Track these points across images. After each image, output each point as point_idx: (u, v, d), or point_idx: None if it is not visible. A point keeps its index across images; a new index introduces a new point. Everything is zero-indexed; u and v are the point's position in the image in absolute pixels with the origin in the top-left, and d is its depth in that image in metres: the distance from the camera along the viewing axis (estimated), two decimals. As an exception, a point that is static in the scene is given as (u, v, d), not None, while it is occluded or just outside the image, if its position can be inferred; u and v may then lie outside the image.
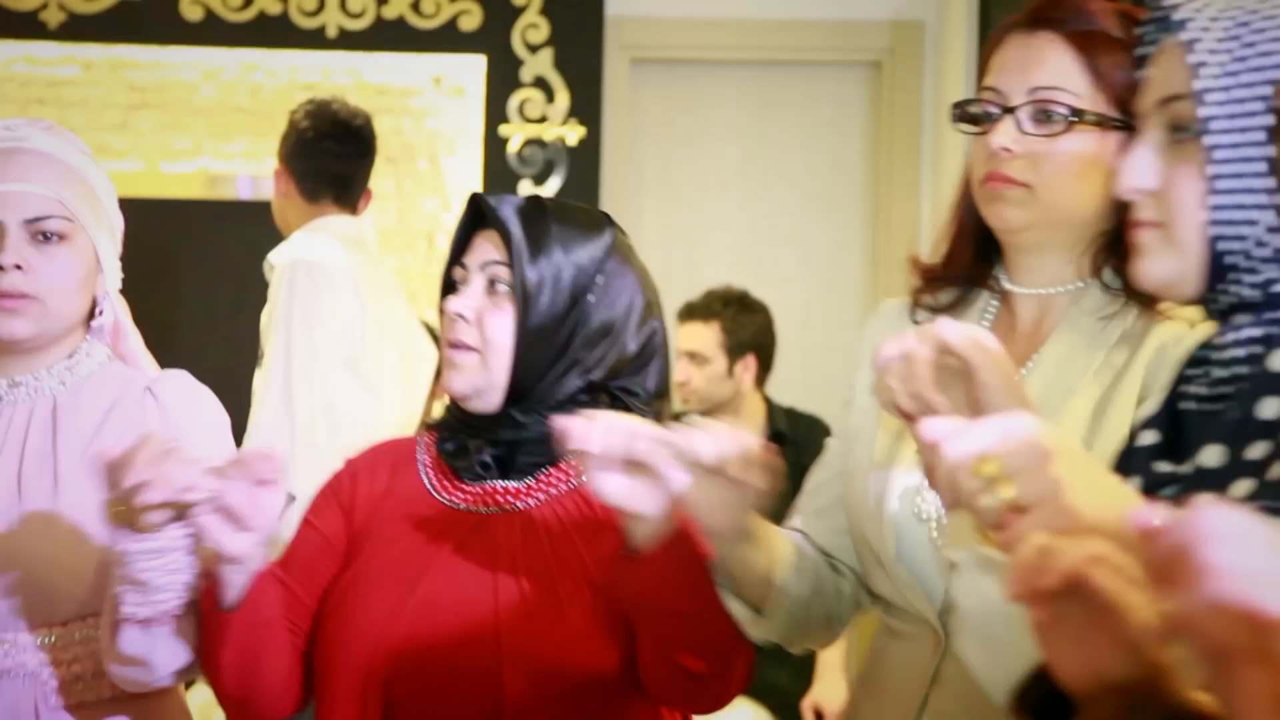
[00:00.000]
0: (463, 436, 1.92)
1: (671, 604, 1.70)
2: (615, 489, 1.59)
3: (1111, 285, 1.77)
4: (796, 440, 4.02)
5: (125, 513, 1.74)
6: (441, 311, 1.91)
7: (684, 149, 5.39)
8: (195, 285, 5.01)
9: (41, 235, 1.99)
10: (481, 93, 5.25)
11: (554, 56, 5.24)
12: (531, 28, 5.24)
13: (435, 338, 4.38)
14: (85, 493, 1.93)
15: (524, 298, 1.85)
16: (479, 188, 5.23)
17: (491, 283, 1.88)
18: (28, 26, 5.14)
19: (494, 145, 5.24)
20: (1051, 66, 1.74)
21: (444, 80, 5.29)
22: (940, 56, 5.17)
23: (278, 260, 3.61)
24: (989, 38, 1.84)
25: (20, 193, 1.98)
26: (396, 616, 1.81)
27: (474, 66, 5.27)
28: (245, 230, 4.63)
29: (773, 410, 4.19)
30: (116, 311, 2.09)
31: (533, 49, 5.25)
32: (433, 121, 5.29)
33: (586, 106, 5.24)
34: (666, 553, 1.65)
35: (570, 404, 1.86)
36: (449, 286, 1.93)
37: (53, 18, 5.15)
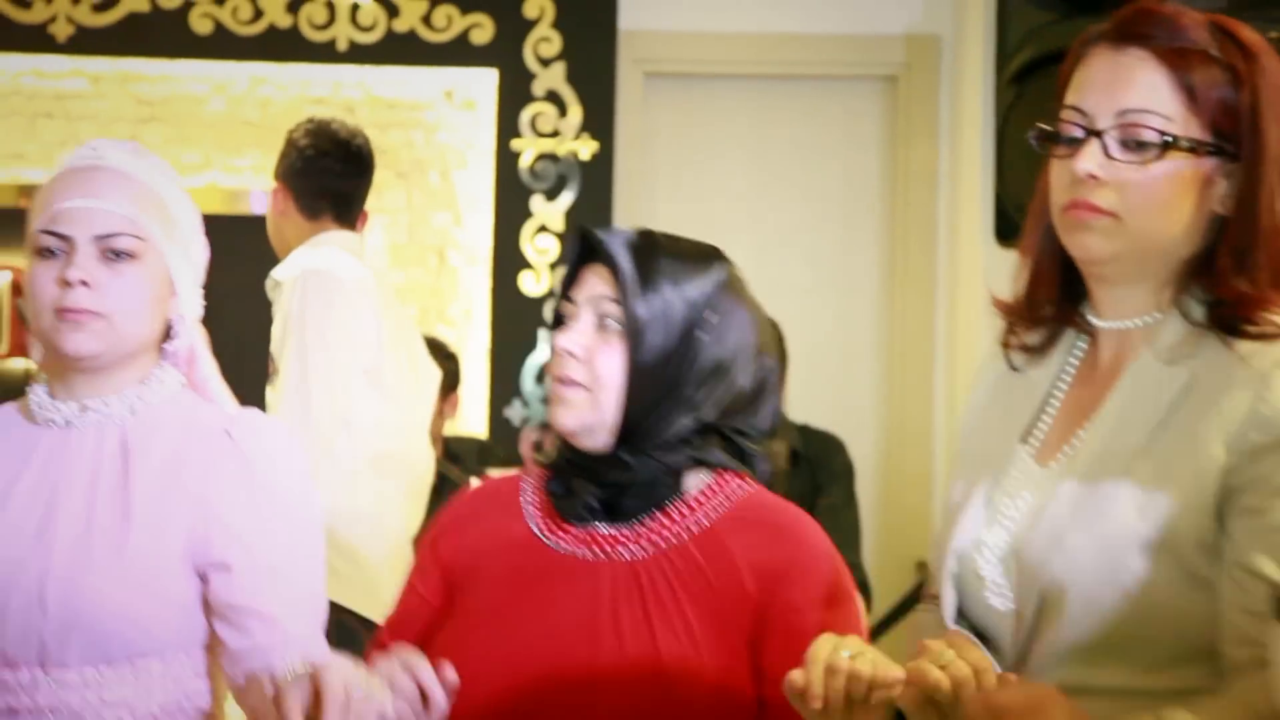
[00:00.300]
0: (570, 477, 1.89)
1: None
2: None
3: (1192, 315, 1.66)
4: (811, 458, 3.95)
5: None
6: (551, 347, 1.88)
7: (698, 163, 5.35)
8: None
9: (111, 253, 1.96)
10: (493, 107, 5.22)
11: (566, 70, 5.20)
12: (544, 41, 5.20)
13: (443, 354, 4.36)
14: (156, 533, 1.92)
15: (634, 334, 1.83)
16: (490, 203, 5.20)
17: (601, 319, 1.86)
18: (36, 39, 5.11)
19: (506, 160, 5.20)
20: (1142, 87, 1.63)
21: (455, 94, 5.26)
22: (957, 71, 5.11)
23: (284, 275, 3.56)
24: (1069, 51, 1.72)
25: (90, 209, 1.96)
26: (491, 662, 1.79)
27: (486, 80, 5.23)
28: (257, 245, 4.56)
29: (785, 428, 4.12)
30: (193, 337, 2.08)
31: (545, 63, 5.21)
32: (444, 136, 5.25)
33: (599, 120, 5.20)
34: None
35: (681, 444, 1.85)
36: (557, 321, 1.91)
37: (61, 30, 5.12)
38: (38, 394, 2.03)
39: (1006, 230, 4.43)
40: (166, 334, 2.05)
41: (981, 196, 4.59)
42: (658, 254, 1.86)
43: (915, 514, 5.16)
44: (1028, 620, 1.62)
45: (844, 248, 5.36)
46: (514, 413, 5.14)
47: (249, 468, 1.97)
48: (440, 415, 4.12)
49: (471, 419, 5.15)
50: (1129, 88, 1.63)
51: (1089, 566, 1.57)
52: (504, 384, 5.15)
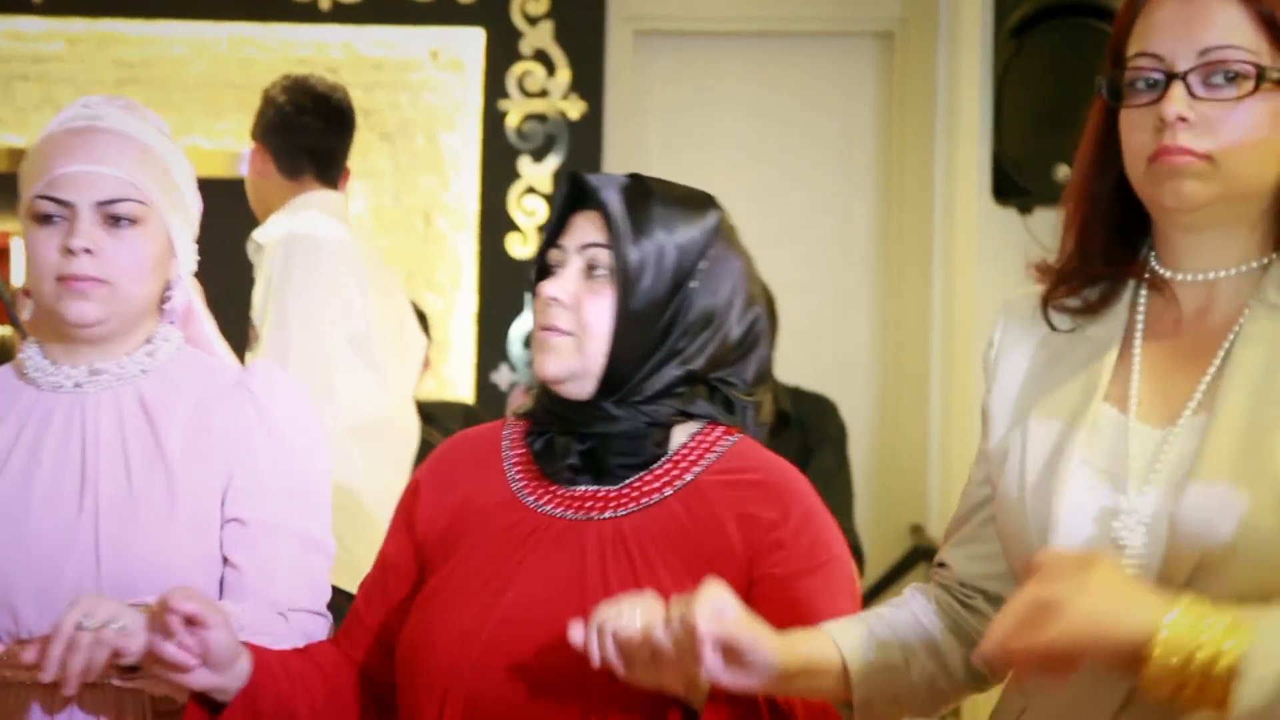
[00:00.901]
0: (552, 431, 1.84)
1: None
2: (648, 681, 1.61)
3: None
4: (803, 420, 3.89)
5: None
6: (535, 295, 1.83)
7: (689, 123, 5.30)
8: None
9: (113, 219, 1.95)
10: (480, 66, 5.16)
11: (554, 29, 5.14)
12: (531, -1, 5.14)
13: (426, 321, 4.30)
14: (198, 489, 1.94)
15: (624, 281, 1.79)
16: (477, 165, 5.15)
17: (590, 267, 1.82)
18: (12, 0, 5.04)
19: (493, 120, 5.14)
20: (1221, 24, 1.58)
21: (441, 54, 5.19)
22: (954, 26, 5.04)
23: (266, 237, 3.49)
24: (1124, 1, 1.67)
25: (92, 174, 1.95)
26: (479, 628, 1.76)
27: (472, 39, 5.17)
28: (242, 208, 4.51)
29: (776, 390, 4.05)
30: (190, 295, 2.08)
31: (532, 21, 5.14)
32: (430, 96, 5.19)
33: (588, 80, 5.15)
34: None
35: (667, 396, 1.81)
36: (543, 269, 1.86)
37: (38, -9, 5.05)
38: (33, 358, 2.02)
39: (1004, 188, 4.37)
40: (165, 293, 2.05)
41: (979, 154, 4.53)
42: (650, 199, 1.83)
43: (910, 478, 5.11)
44: (1176, 585, 1.54)
45: (839, 207, 5.30)
46: (501, 377, 5.09)
47: (264, 413, 1.99)
48: (422, 383, 4.06)
49: (458, 384, 5.09)
50: (1207, 25, 1.59)
51: (1263, 524, 1.51)
52: (491, 348, 5.10)
